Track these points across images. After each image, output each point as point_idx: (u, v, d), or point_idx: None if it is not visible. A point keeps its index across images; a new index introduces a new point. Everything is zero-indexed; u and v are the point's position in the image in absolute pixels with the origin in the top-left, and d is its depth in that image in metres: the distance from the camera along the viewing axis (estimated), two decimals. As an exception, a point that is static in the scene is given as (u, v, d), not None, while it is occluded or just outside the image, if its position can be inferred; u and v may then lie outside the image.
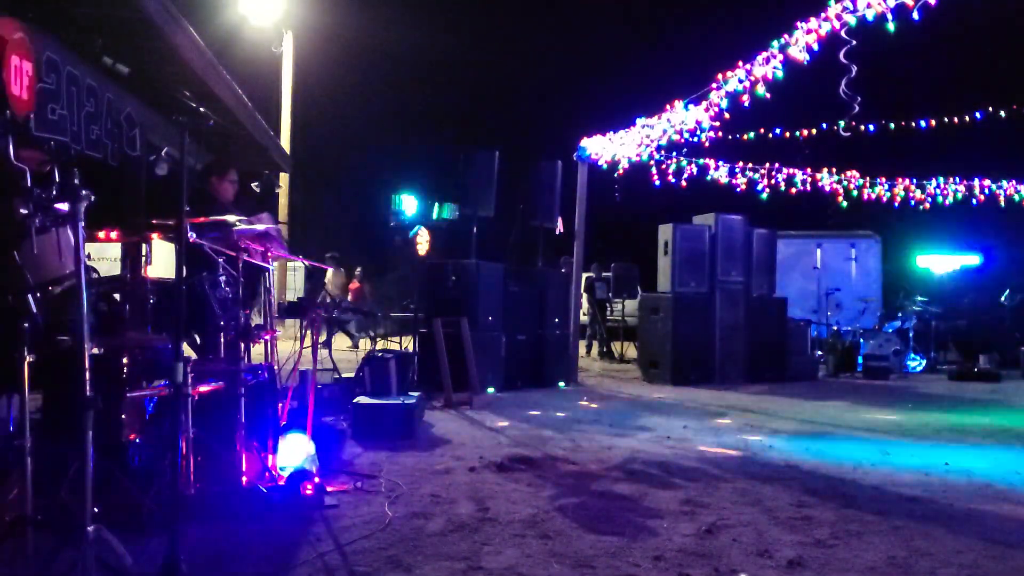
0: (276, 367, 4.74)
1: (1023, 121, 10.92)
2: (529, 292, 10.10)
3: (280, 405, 4.73)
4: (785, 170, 12.68)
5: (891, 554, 3.50)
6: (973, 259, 16.80)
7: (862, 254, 16.68)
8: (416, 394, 6.90)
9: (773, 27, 8.60)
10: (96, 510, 2.67)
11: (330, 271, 16.70)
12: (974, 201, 13.10)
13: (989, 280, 15.88)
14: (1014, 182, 13.13)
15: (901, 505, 4.38)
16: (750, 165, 12.72)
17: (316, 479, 4.30)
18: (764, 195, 12.52)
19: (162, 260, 5.87)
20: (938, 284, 15.83)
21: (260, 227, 4.36)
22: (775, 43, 8.52)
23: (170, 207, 3.82)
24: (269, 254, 4.70)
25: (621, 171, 11.37)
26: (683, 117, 10.01)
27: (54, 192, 2.76)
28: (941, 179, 12.99)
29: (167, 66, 5.76)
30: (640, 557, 3.40)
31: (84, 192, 2.69)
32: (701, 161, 12.40)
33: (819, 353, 12.80)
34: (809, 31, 8.13)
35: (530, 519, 3.95)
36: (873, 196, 13.04)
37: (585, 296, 14.71)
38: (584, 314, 14.54)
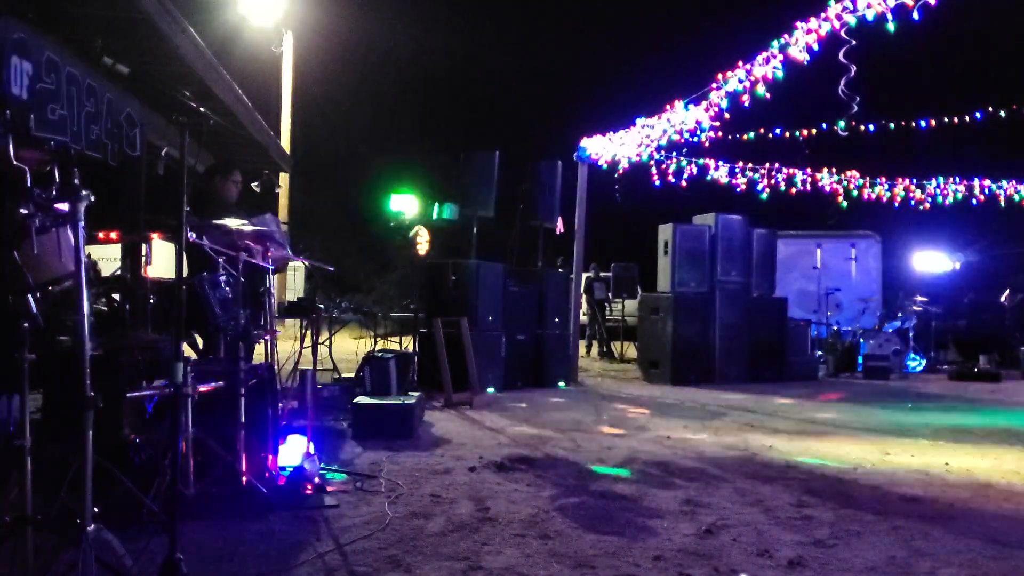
0: (276, 367, 4.74)
1: (1023, 121, 10.92)
2: (529, 292, 10.10)
3: (280, 405, 4.73)
4: (785, 170, 12.68)
5: (891, 554, 3.50)
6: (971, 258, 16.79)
7: (862, 254, 16.68)
8: (416, 394, 6.90)
9: (773, 27, 8.61)
10: (96, 510, 2.66)
11: None
12: (974, 201, 13.10)
13: (989, 280, 15.88)
14: (1014, 182, 13.13)
15: (901, 505, 4.38)
16: (750, 165, 12.72)
17: (316, 479, 4.30)
18: (764, 195, 12.53)
19: (162, 260, 5.88)
20: (938, 284, 15.83)
21: (253, 227, 4.35)
22: (775, 43, 8.52)
23: (170, 207, 3.82)
24: (269, 254, 4.70)
25: (621, 171, 11.37)
26: (683, 117, 10.01)
27: (54, 192, 2.75)
28: (941, 179, 13.00)
29: (167, 66, 5.76)
30: (640, 557, 3.40)
31: (84, 192, 2.69)
32: (701, 161, 12.39)
33: (819, 353, 12.80)
34: (809, 31, 8.13)
35: (530, 519, 3.95)
36: (873, 196, 13.04)
37: (584, 296, 14.71)
38: (584, 314, 14.54)
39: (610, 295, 16.38)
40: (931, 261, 16.42)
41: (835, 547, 3.58)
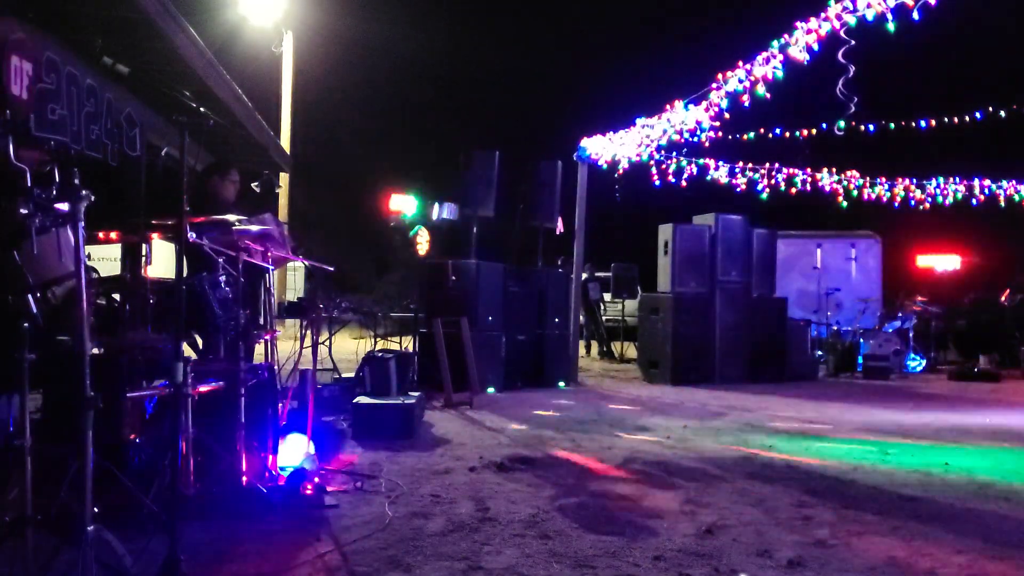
0: (276, 367, 4.74)
1: (1023, 121, 10.92)
2: (529, 292, 10.09)
3: (280, 405, 4.73)
4: (785, 170, 12.68)
5: (891, 554, 3.50)
6: (972, 258, 16.79)
7: (862, 254, 16.67)
8: (416, 394, 6.89)
9: (773, 27, 8.61)
10: (96, 510, 2.67)
11: None
12: (974, 201, 13.11)
13: (989, 280, 15.88)
14: (1014, 182, 13.13)
15: (901, 505, 4.38)
16: (750, 165, 12.72)
17: (316, 479, 4.30)
18: (764, 195, 12.53)
19: (162, 260, 5.88)
20: (938, 284, 15.84)
21: (256, 227, 4.35)
22: (775, 43, 8.53)
23: (170, 207, 3.83)
24: (269, 254, 4.69)
25: (621, 171, 11.37)
26: (683, 117, 10.01)
27: (54, 192, 2.76)
28: (941, 179, 13.00)
29: (167, 66, 5.77)
30: (640, 557, 3.40)
31: (84, 192, 2.69)
32: (701, 161, 12.39)
33: (819, 353, 12.80)
34: (809, 31, 8.13)
35: (530, 519, 3.95)
36: (873, 196, 13.04)
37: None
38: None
39: (604, 295, 16.35)
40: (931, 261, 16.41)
41: (835, 547, 3.58)
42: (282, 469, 4.29)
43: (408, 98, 35.56)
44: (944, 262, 16.57)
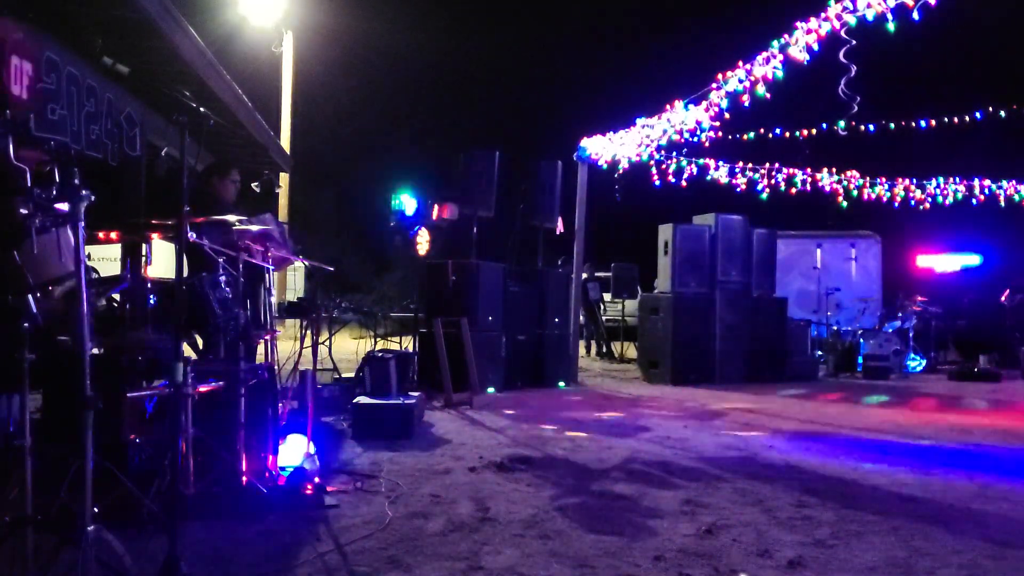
0: (276, 367, 4.74)
1: (1023, 121, 10.92)
2: (529, 292, 10.09)
3: (280, 405, 4.73)
4: (785, 170, 12.68)
5: (891, 554, 3.50)
6: (973, 259, 16.80)
7: (862, 254, 16.66)
8: (416, 394, 6.90)
9: (773, 27, 8.62)
10: (96, 510, 2.66)
11: None
12: (974, 201, 13.11)
13: (989, 280, 15.89)
14: (1014, 182, 13.13)
15: (901, 505, 4.38)
16: (750, 165, 12.72)
17: (316, 479, 4.30)
18: (764, 195, 12.53)
19: (162, 260, 5.88)
20: (938, 284, 15.85)
21: (256, 227, 4.35)
22: (775, 43, 8.53)
23: (170, 207, 3.83)
24: (269, 254, 4.69)
25: (621, 171, 11.37)
26: (683, 117, 10.01)
27: (54, 192, 2.75)
28: (941, 179, 13.00)
29: (167, 66, 5.77)
30: (640, 557, 3.40)
31: (84, 192, 2.69)
32: (701, 161, 12.39)
33: (819, 353, 12.80)
34: (809, 31, 8.14)
35: (530, 519, 3.95)
36: (873, 196, 13.04)
37: (579, 298, 14.66)
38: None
39: (604, 295, 16.35)
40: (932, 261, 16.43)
41: (835, 547, 3.58)
42: (282, 469, 4.29)
43: (408, 98, 35.61)
44: (945, 262, 16.58)
